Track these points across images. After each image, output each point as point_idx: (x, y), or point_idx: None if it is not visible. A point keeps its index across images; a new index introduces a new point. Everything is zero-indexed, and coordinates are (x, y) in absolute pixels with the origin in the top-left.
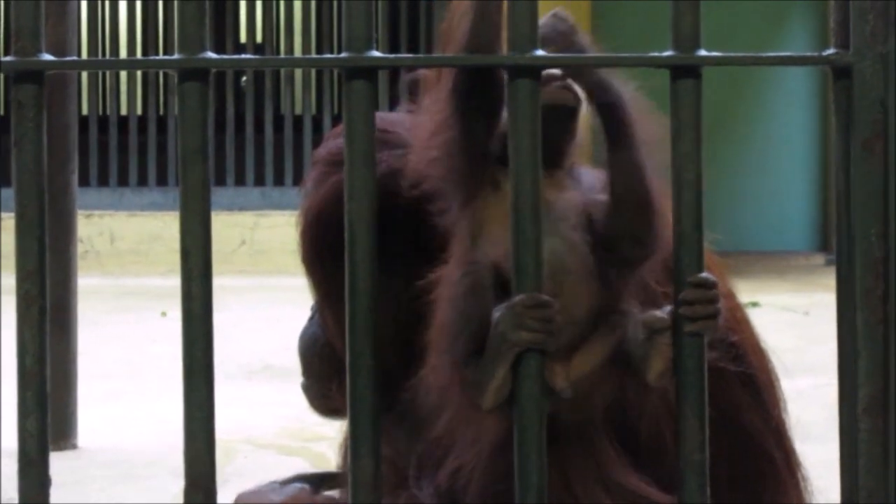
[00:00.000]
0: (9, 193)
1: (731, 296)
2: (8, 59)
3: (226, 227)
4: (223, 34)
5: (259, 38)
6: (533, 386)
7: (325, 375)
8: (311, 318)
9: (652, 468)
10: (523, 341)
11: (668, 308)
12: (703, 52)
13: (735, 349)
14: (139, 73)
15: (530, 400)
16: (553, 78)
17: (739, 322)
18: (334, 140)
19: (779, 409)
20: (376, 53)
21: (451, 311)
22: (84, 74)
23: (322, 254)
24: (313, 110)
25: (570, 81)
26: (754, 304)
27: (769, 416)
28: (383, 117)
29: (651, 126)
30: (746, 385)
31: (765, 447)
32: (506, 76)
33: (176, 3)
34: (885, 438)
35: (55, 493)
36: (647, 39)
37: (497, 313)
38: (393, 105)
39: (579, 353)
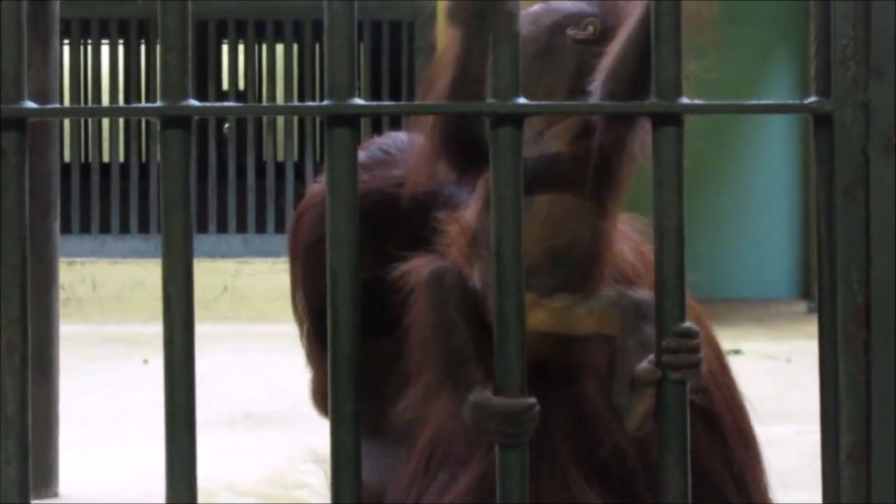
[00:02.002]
0: None
1: (710, 343)
2: None
3: (208, 273)
4: (205, 81)
5: (241, 85)
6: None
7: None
8: None
9: (618, 493)
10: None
11: (651, 356)
12: (684, 100)
13: (704, 393)
14: (121, 119)
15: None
16: None
17: (713, 366)
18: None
19: (748, 456)
20: (358, 101)
21: (421, 326)
22: (66, 121)
23: (317, 287)
24: (295, 157)
25: None
26: (736, 352)
27: (731, 461)
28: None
29: None
30: (710, 427)
31: (724, 494)
32: (488, 124)
33: (158, 50)
34: (868, 487)
35: None
36: None
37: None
38: None
39: (559, 299)
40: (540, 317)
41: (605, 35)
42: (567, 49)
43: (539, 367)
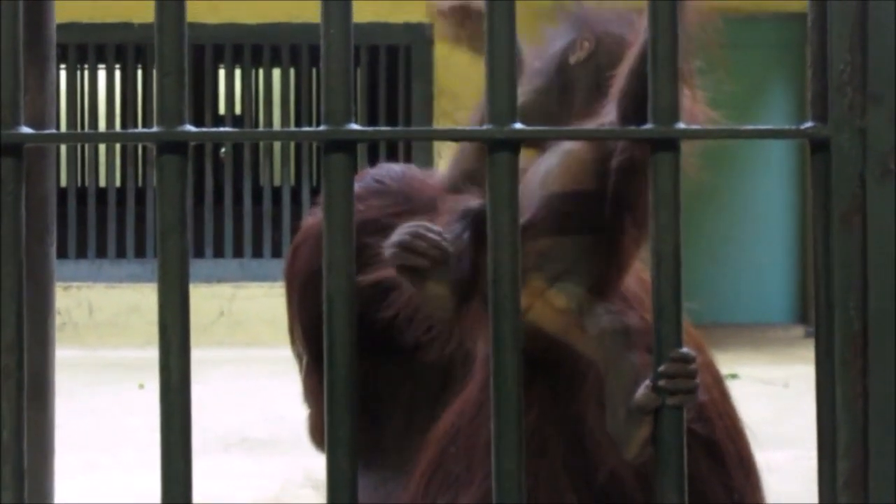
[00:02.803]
0: None
1: (709, 368)
2: None
3: (204, 298)
4: (202, 106)
5: (238, 111)
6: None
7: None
8: None
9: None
10: None
11: (647, 382)
12: (681, 126)
13: (705, 421)
14: (118, 145)
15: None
16: None
17: (713, 393)
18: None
19: (748, 484)
20: (355, 126)
21: None
22: (63, 146)
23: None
24: (292, 182)
25: None
26: (734, 376)
27: (732, 490)
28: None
29: None
30: (711, 455)
31: None
32: (485, 149)
33: (155, 75)
34: None
35: None
36: None
37: None
38: None
39: (565, 295)
40: (541, 310)
41: (605, 49)
42: (574, 77)
43: (530, 379)
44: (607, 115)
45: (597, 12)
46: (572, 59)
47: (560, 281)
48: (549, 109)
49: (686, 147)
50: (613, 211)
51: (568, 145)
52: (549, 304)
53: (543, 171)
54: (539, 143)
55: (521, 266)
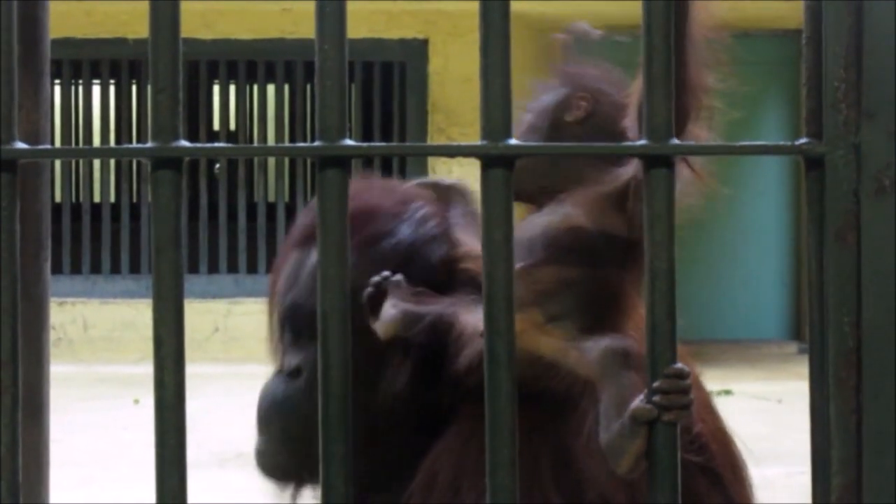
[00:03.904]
0: None
1: (698, 384)
2: None
3: (199, 314)
4: (197, 122)
5: (232, 126)
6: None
7: (283, 436)
8: (275, 375)
9: None
10: None
11: (642, 396)
12: (675, 142)
13: (697, 438)
14: (112, 160)
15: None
16: None
17: (705, 410)
18: (304, 217)
19: (742, 497)
20: (349, 142)
21: None
22: (57, 162)
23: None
24: (287, 198)
25: None
26: (727, 392)
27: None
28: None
29: None
30: (706, 473)
31: None
32: (480, 165)
33: (149, 91)
34: None
35: None
36: None
37: None
38: None
39: (562, 328)
40: (538, 339)
41: (602, 110)
42: (569, 135)
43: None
44: (629, 132)
45: (586, 70)
46: (569, 118)
47: (558, 320)
48: (544, 168)
49: (704, 166)
50: (623, 253)
51: (567, 209)
52: (545, 334)
53: (545, 222)
54: (536, 200)
55: (519, 298)
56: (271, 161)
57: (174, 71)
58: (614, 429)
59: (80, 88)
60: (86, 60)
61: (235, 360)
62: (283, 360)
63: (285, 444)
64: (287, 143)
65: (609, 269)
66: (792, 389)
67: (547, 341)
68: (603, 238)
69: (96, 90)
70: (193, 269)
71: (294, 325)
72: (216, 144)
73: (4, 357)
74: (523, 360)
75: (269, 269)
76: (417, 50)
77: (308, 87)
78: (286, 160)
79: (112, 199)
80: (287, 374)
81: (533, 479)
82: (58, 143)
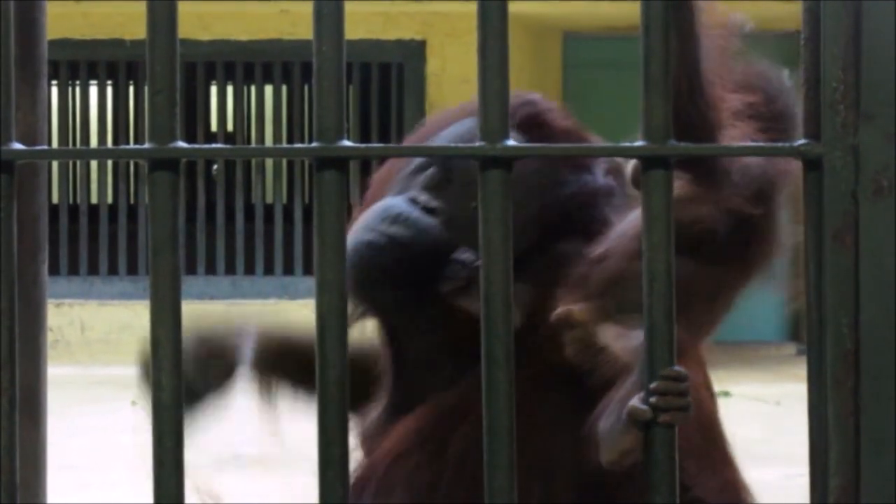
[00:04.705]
0: None
1: (702, 386)
2: None
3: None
4: (194, 123)
5: (230, 127)
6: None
7: (395, 246)
8: (399, 198)
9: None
10: None
11: (640, 395)
12: (673, 143)
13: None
14: (110, 162)
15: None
16: None
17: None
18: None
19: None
20: (347, 143)
21: None
22: (54, 163)
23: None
24: (284, 199)
25: None
26: (725, 394)
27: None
28: None
29: None
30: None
31: None
32: (478, 166)
33: (147, 92)
34: None
35: None
36: (620, 107)
37: None
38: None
39: (621, 317)
40: (602, 327)
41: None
42: None
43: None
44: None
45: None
46: None
47: (628, 311)
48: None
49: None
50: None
51: None
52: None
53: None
54: None
55: (594, 286)
56: (269, 162)
57: (171, 72)
58: (611, 421)
59: (78, 89)
60: (83, 61)
61: None
62: (414, 193)
63: (393, 254)
64: (285, 145)
65: (686, 263)
66: (790, 391)
67: (610, 330)
68: (685, 231)
69: (93, 91)
70: (191, 271)
71: (445, 167)
72: (213, 146)
73: (2, 359)
74: (582, 347)
75: (266, 271)
76: (415, 51)
77: (306, 88)
78: (284, 161)
79: (109, 200)
80: (422, 208)
81: (552, 464)
82: (55, 145)
